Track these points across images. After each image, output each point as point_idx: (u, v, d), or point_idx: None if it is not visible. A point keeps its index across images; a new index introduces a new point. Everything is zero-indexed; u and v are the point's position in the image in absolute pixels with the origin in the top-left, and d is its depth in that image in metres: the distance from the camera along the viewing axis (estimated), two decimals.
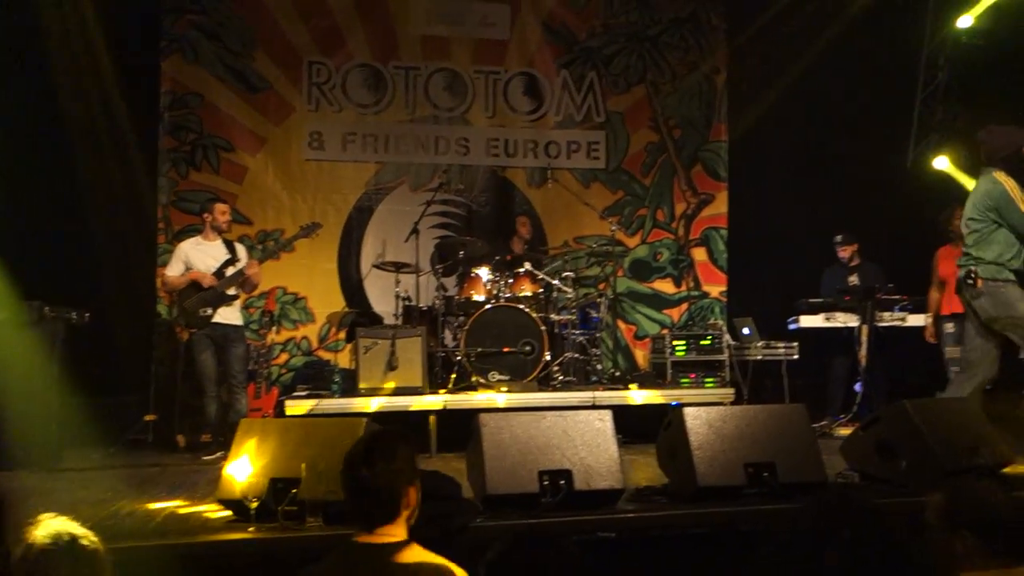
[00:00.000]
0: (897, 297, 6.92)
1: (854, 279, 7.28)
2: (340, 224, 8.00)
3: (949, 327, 6.60)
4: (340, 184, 8.04)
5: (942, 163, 8.30)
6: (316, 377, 7.03)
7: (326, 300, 7.89)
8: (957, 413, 4.39)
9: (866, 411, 6.58)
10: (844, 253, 7.38)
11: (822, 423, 6.65)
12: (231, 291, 6.07)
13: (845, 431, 5.83)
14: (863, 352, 6.90)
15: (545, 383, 6.61)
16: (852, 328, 6.97)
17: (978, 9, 7.95)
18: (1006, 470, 4.24)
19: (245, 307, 6.43)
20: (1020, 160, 4.92)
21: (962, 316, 6.40)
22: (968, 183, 7.79)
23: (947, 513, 2.36)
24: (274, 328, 7.53)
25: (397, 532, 2.31)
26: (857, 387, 6.91)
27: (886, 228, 7.85)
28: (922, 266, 6.90)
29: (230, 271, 6.08)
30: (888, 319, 6.90)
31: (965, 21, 8.06)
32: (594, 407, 5.49)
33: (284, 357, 7.75)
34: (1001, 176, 4.91)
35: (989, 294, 4.90)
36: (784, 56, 8.12)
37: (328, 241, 7.82)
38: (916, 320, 6.86)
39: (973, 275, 4.91)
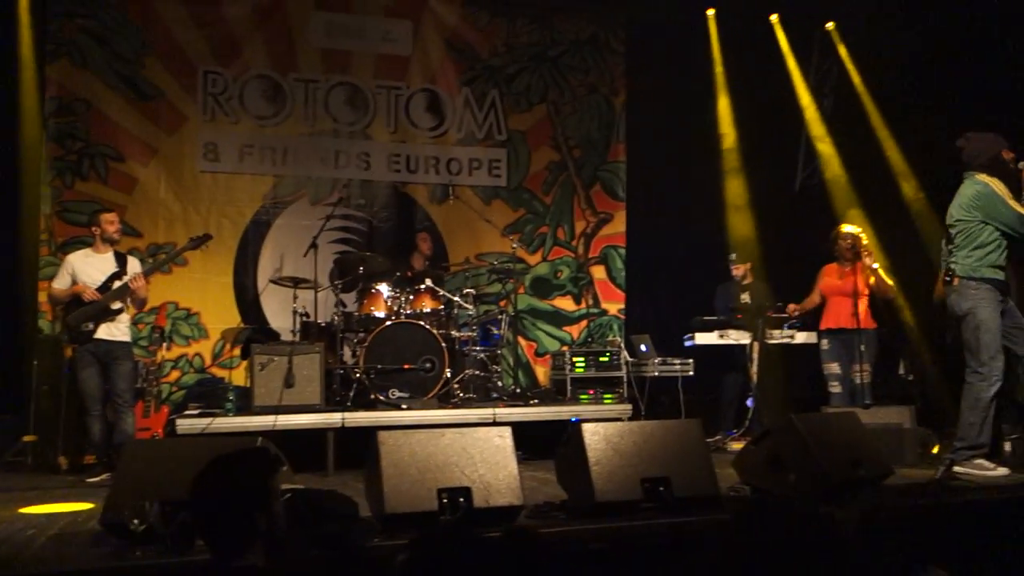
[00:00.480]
0: (786, 315, 7.18)
1: (745, 297, 7.51)
2: (236, 238, 7.80)
3: (825, 343, 6.85)
4: (236, 197, 7.85)
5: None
6: (209, 395, 6.83)
7: (220, 316, 7.67)
8: (842, 427, 4.57)
9: (757, 426, 6.80)
10: (737, 271, 7.61)
11: (716, 438, 6.83)
12: (115, 305, 5.82)
13: (738, 445, 6.00)
14: (755, 368, 7.13)
15: (445, 400, 6.58)
16: (744, 345, 7.20)
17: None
18: (884, 482, 4.44)
19: (134, 323, 6.18)
20: (998, 165, 5.08)
21: (838, 332, 6.72)
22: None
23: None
24: (165, 344, 7.25)
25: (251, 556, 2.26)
26: (749, 402, 7.12)
27: (777, 248, 8.16)
28: (809, 286, 7.16)
29: (116, 285, 5.84)
30: (778, 336, 7.15)
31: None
32: (494, 424, 5.49)
33: (175, 375, 7.49)
34: (984, 177, 5.03)
35: (960, 292, 4.99)
36: (681, 80, 8.35)
37: (223, 255, 7.62)
38: (804, 337, 7.11)
39: (951, 272, 5.03)
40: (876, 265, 6.69)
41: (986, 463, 4.83)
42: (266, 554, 2.29)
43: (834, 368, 6.78)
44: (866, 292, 6.68)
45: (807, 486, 4.06)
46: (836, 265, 6.94)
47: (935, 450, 5.58)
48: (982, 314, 4.89)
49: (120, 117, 7.52)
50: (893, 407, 5.82)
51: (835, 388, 6.77)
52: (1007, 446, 5.34)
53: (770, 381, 7.17)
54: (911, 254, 7.59)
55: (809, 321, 7.11)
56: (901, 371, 8.31)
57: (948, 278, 5.04)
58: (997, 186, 4.98)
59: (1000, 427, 5.36)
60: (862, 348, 6.62)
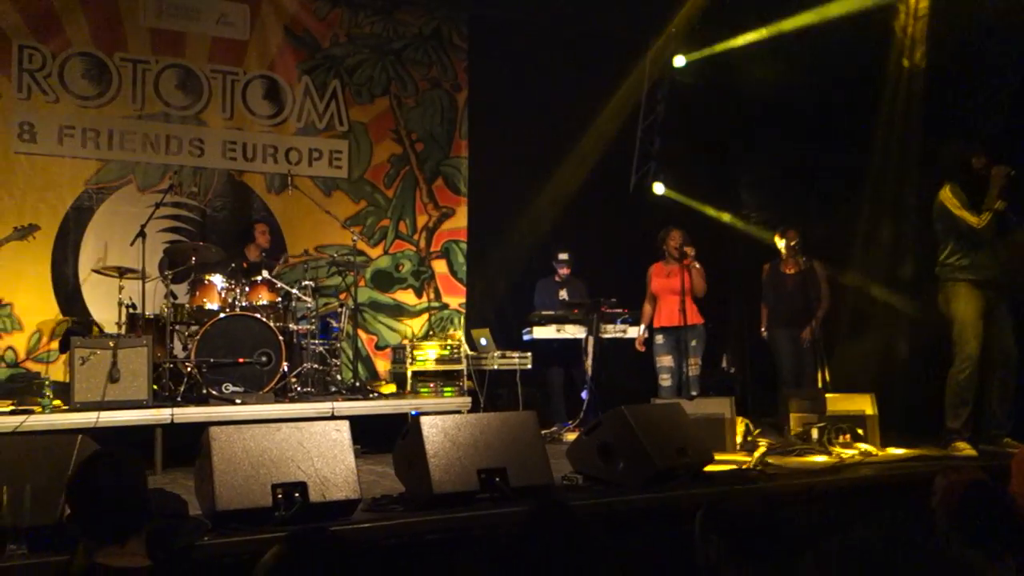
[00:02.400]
0: (619, 311, 7.48)
1: (564, 293, 7.78)
2: (55, 224, 7.31)
3: (659, 338, 7.22)
4: (56, 181, 7.35)
5: (659, 189, 9.11)
6: (24, 391, 6.38)
7: (36, 307, 7.18)
8: (668, 417, 4.82)
9: (592, 417, 7.04)
10: (564, 270, 7.84)
11: (552, 429, 7.03)
12: None
13: (572, 436, 6.20)
14: (589, 362, 7.38)
15: (282, 394, 6.45)
16: (580, 339, 7.44)
17: (693, 54, 8.82)
18: (706, 468, 4.71)
19: None
20: (967, 171, 5.56)
21: (670, 328, 7.09)
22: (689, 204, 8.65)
23: (703, 522, 2.51)
24: None
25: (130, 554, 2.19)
26: (583, 395, 7.37)
27: (610, 246, 8.47)
28: (638, 282, 7.48)
29: None
30: (611, 331, 7.44)
31: (679, 60, 8.92)
32: (333, 418, 5.43)
33: None
34: (944, 191, 5.59)
35: (941, 291, 5.68)
36: (522, 78, 8.50)
37: (41, 242, 7.11)
38: (636, 332, 7.43)
39: (937, 275, 5.69)
40: (695, 265, 7.07)
41: (959, 446, 5.36)
42: (148, 553, 2.22)
43: (667, 361, 7.14)
44: (697, 288, 7.08)
45: (635, 473, 4.27)
46: (662, 264, 7.30)
47: (750, 438, 5.97)
48: (955, 312, 5.55)
49: None
50: (715, 398, 6.17)
51: (665, 381, 7.13)
52: (813, 433, 5.77)
53: (603, 374, 7.44)
54: (745, 255, 8.09)
55: (639, 317, 7.43)
56: (724, 364, 8.84)
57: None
58: (945, 197, 5.57)
59: None
60: (692, 343, 7.02)
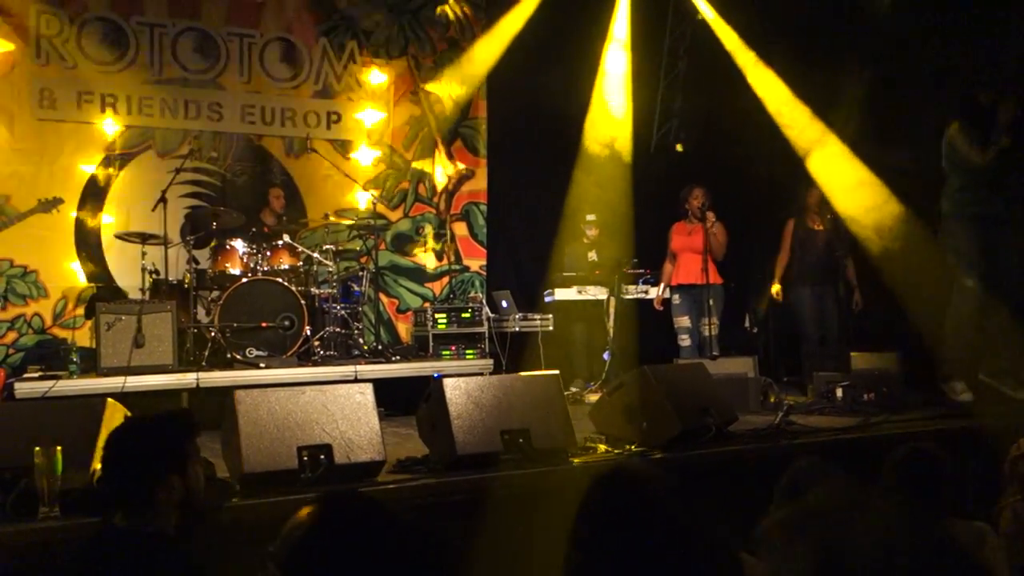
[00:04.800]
0: (641, 271, 7.43)
1: (592, 255, 7.73)
2: (77, 191, 7.34)
3: (676, 298, 7.18)
4: (77, 147, 7.37)
5: (681, 147, 8.99)
6: (51, 357, 6.46)
7: (61, 273, 7.24)
8: (691, 377, 4.81)
9: (613, 378, 7.04)
10: (592, 232, 7.79)
11: (574, 390, 7.03)
12: None
13: (594, 397, 6.20)
14: (611, 323, 7.35)
15: (305, 358, 6.49)
16: (601, 300, 7.41)
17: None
18: (731, 428, 4.70)
19: None
20: (975, 107, 5.50)
21: (688, 287, 7.04)
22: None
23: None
24: None
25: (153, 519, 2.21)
26: (605, 356, 7.35)
27: (631, 206, 8.39)
28: (660, 242, 7.43)
29: None
30: (633, 292, 7.39)
31: (706, 13, 8.72)
32: (356, 381, 5.46)
33: (12, 336, 7.03)
34: (951, 127, 5.55)
35: (943, 225, 5.69)
36: (542, 35, 8.38)
37: (64, 209, 7.10)
38: (657, 292, 7.38)
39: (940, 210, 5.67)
40: (718, 225, 7.00)
41: (956, 386, 5.38)
42: (181, 519, 2.25)
43: (684, 322, 7.11)
44: (719, 245, 7.03)
45: (659, 433, 4.26)
46: (684, 223, 7.23)
47: (772, 398, 5.95)
48: (957, 247, 5.57)
49: None
50: (738, 358, 6.15)
51: (685, 341, 7.11)
52: (839, 392, 5.74)
53: (625, 335, 7.42)
54: (771, 214, 7.98)
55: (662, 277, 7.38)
56: (746, 324, 8.78)
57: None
58: (952, 132, 5.54)
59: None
60: (711, 303, 6.96)
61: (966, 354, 5.46)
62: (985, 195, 5.51)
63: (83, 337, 6.70)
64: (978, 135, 5.45)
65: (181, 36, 7.75)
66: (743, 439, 4.58)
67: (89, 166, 7.41)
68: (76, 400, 4.50)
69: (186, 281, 6.44)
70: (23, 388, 5.42)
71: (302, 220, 7.74)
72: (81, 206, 7.36)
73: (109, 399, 3.52)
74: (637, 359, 7.24)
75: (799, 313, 7.21)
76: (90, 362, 5.88)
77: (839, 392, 5.60)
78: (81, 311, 7.08)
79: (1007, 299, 5.45)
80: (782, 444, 4.54)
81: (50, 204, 6.00)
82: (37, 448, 3.04)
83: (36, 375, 5.84)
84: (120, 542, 2.18)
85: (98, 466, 3.10)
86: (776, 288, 7.27)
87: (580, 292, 7.41)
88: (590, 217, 7.78)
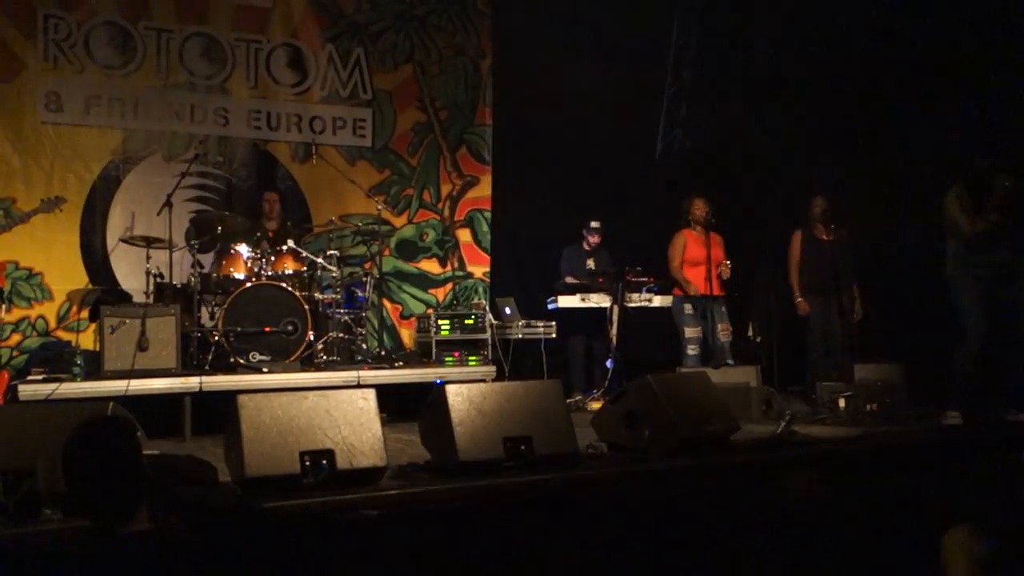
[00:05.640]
0: (644, 279, 7.41)
1: (591, 263, 7.73)
2: (83, 194, 7.37)
3: (688, 308, 7.13)
4: (83, 151, 7.40)
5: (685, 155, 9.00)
6: (54, 360, 6.45)
7: (66, 276, 7.25)
8: (694, 386, 4.81)
9: (616, 386, 7.03)
10: (595, 239, 7.79)
11: (576, 398, 7.03)
12: None
13: (596, 405, 6.20)
14: (614, 331, 7.34)
15: (308, 363, 6.49)
16: (605, 308, 7.40)
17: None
18: (733, 437, 4.70)
19: None
20: (972, 171, 5.63)
21: (698, 297, 7.02)
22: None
23: None
24: (3, 307, 6.81)
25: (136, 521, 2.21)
26: (608, 363, 7.34)
27: (635, 214, 8.40)
28: (663, 250, 7.41)
29: None
30: (637, 300, 7.38)
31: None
32: (359, 387, 5.46)
33: (16, 338, 7.05)
34: (951, 189, 5.68)
35: (949, 286, 5.73)
36: (547, 45, 8.41)
37: (69, 212, 7.15)
38: (661, 301, 7.36)
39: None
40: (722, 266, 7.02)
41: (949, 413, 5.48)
42: (150, 517, 2.25)
43: (696, 332, 7.05)
44: (719, 259, 7.01)
45: (661, 442, 4.26)
46: (691, 232, 7.22)
47: (775, 408, 5.94)
48: (960, 302, 5.65)
49: None
50: (741, 367, 6.14)
51: (693, 351, 7.03)
52: (841, 402, 5.73)
53: (628, 343, 7.41)
54: (775, 224, 7.99)
55: (667, 285, 7.37)
56: (750, 333, 8.77)
57: None
58: (950, 200, 5.67)
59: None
60: (723, 310, 6.96)
61: (967, 388, 5.54)
62: (983, 256, 5.59)
63: (87, 340, 6.71)
64: (973, 203, 5.59)
65: (188, 41, 7.78)
66: (745, 448, 4.58)
67: (95, 170, 7.43)
68: (80, 403, 4.51)
69: (192, 284, 6.45)
70: (27, 390, 5.43)
71: (306, 226, 7.75)
72: (87, 210, 7.38)
73: (112, 403, 3.53)
74: (640, 367, 7.25)
75: (804, 323, 7.20)
76: (94, 365, 5.89)
77: (842, 402, 5.61)
78: (85, 314, 7.08)
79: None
80: (784, 454, 4.53)
81: (52, 203, 6.02)
82: (40, 451, 3.05)
83: (40, 377, 5.85)
84: (128, 545, 2.18)
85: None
86: (800, 301, 7.21)
87: (583, 300, 7.41)
88: (594, 224, 7.78)
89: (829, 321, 7.04)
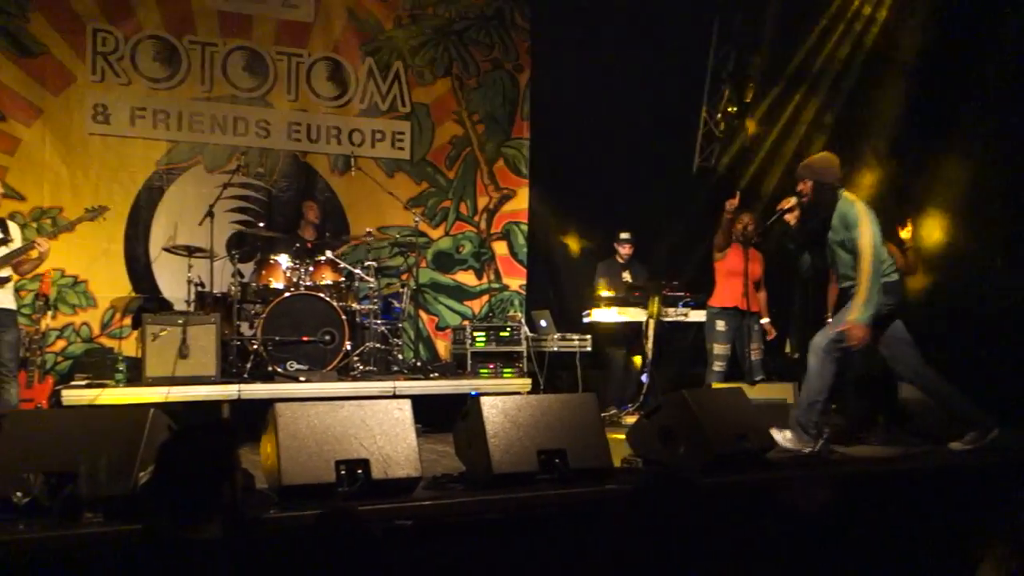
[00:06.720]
0: (681, 294, 7.38)
1: (627, 275, 7.69)
2: (127, 204, 7.52)
3: (720, 324, 6.88)
4: (128, 161, 7.55)
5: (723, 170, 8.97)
6: (98, 366, 6.59)
7: (110, 284, 7.40)
8: (729, 402, 4.76)
9: (652, 400, 7.00)
10: (626, 250, 7.76)
11: (611, 411, 7.00)
12: (2, 272, 5.56)
13: (632, 419, 6.16)
14: (650, 345, 7.31)
15: (345, 372, 6.55)
16: (640, 322, 7.38)
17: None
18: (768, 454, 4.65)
19: (16, 289, 5.89)
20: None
21: (731, 311, 6.86)
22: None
23: None
24: (49, 313, 6.96)
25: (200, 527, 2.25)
26: (644, 378, 7.31)
27: (672, 229, 8.37)
28: (700, 264, 7.37)
29: (1, 251, 5.57)
30: (673, 314, 7.34)
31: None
32: (394, 397, 5.50)
33: (61, 344, 7.20)
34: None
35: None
36: (585, 58, 8.43)
37: (114, 221, 7.30)
38: (698, 315, 7.30)
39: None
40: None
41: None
42: (225, 526, 2.29)
43: (725, 349, 6.89)
44: (756, 275, 6.93)
45: (696, 457, 4.23)
46: (736, 243, 7.14)
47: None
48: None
49: (1, 74, 7.13)
50: (778, 383, 6.08)
51: (719, 367, 6.81)
52: (881, 421, 5.65)
53: (664, 357, 7.38)
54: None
55: (702, 300, 7.31)
56: (787, 349, 8.68)
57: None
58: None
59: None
60: (755, 327, 6.87)
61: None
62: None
63: (129, 347, 6.84)
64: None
65: (231, 55, 7.92)
66: (782, 466, 4.53)
67: (140, 180, 7.58)
68: (121, 409, 4.58)
69: (232, 294, 6.54)
70: (70, 395, 5.54)
71: (344, 237, 7.83)
72: (131, 219, 7.53)
73: (153, 409, 3.59)
74: (675, 382, 7.20)
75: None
76: (135, 371, 6.00)
77: (882, 421, 5.52)
78: (128, 321, 7.22)
79: None
80: (822, 472, 4.48)
81: (96, 212, 6.14)
82: (82, 455, 3.11)
83: (83, 383, 5.97)
84: (167, 549, 2.22)
85: (143, 474, 3.16)
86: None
87: (619, 313, 7.39)
88: (623, 235, 7.76)
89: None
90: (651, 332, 7.31)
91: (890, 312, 5.12)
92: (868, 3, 7.98)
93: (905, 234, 6.61)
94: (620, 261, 7.79)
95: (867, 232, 4.99)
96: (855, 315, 4.89)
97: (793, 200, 5.32)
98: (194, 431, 2.47)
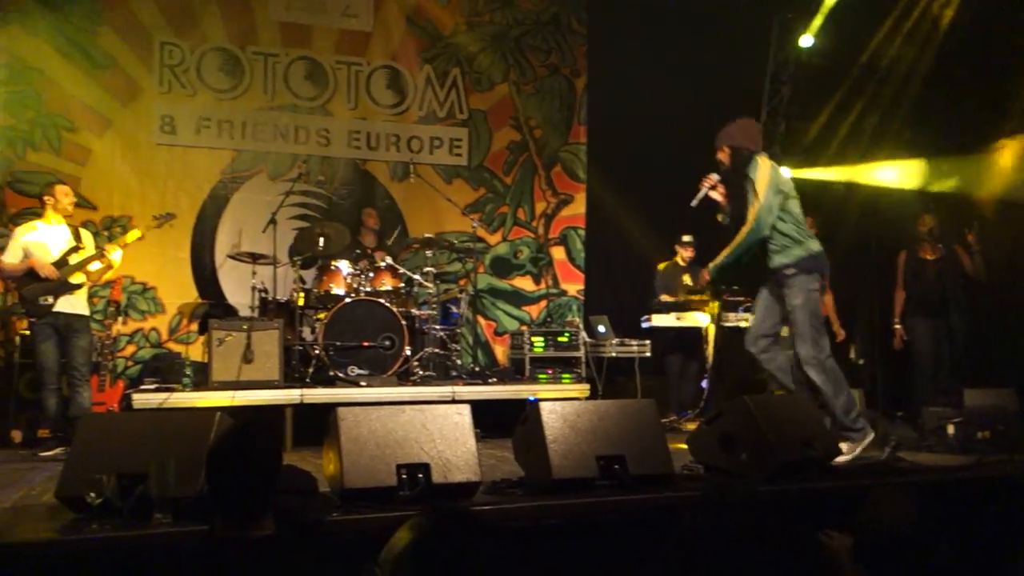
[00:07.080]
0: (741, 299, 7.28)
1: (687, 278, 7.60)
2: (193, 212, 7.70)
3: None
4: (194, 170, 7.74)
5: (786, 172, 8.80)
6: (166, 370, 6.75)
7: (177, 290, 7.59)
8: (792, 408, 4.67)
9: (711, 407, 6.90)
10: (688, 253, 7.68)
11: (671, 418, 6.93)
12: (76, 279, 5.75)
13: (691, 425, 6.10)
14: (710, 350, 7.22)
15: (405, 378, 6.60)
16: (700, 327, 7.29)
17: (814, 27, 8.49)
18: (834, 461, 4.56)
19: (89, 296, 6.08)
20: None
21: None
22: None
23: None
24: (120, 319, 7.16)
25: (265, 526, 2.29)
26: (704, 384, 7.23)
27: (730, 234, 8.24)
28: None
29: (73, 259, 5.76)
30: (733, 320, 7.25)
31: (806, 41, 8.61)
32: (453, 402, 5.52)
33: (131, 349, 7.40)
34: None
35: None
36: (642, 63, 8.38)
37: (180, 229, 7.49)
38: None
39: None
40: None
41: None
42: (277, 523, 2.32)
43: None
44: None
45: (758, 465, 4.16)
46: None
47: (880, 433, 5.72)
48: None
49: (73, 86, 7.36)
50: None
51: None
52: (951, 429, 5.49)
53: (725, 362, 7.28)
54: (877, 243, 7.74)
55: None
56: (852, 356, 8.50)
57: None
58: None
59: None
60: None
61: None
62: None
63: (196, 352, 6.99)
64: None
65: (293, 64, 8.07)
66: (848, 474, 4.44)
67: (205, 189, 7.76)
68: (189, 412, 4.68)
69: (296, 300, 6.65)
70: (140, 399, 5.68)
71: (405, 242, 7.90)
72: (197, 227, 7.71)
73: (219, 413, 3.65)
74: (735, 388, 7.10)
75: (912, 346, 6.94)
76: (202, 376, 6.13)
77: (951, 429, 5.37)
78: (195, 327, 7.39)
79: None
80: (890, 481, 4.37)
81: (163, 219, 6.32)
82: (152, 457, 3.18)
83: (152, 387, 6.12)
84: (230, 549, 2.25)
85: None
86: (897, 327, 6.98)
87: (678, 319, 7.32)
88: (686, 238, 7.68)
89: (938, 344, 6.77)
90: (711, 338, 7.23)
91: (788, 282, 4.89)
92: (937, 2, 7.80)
93: (970, 238, 6.46)
94: (681, 264, 7.72)
95: (761, 197, 4.78)
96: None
97: (714, 176, 5.12)
98: (244, 431, 2.49)
